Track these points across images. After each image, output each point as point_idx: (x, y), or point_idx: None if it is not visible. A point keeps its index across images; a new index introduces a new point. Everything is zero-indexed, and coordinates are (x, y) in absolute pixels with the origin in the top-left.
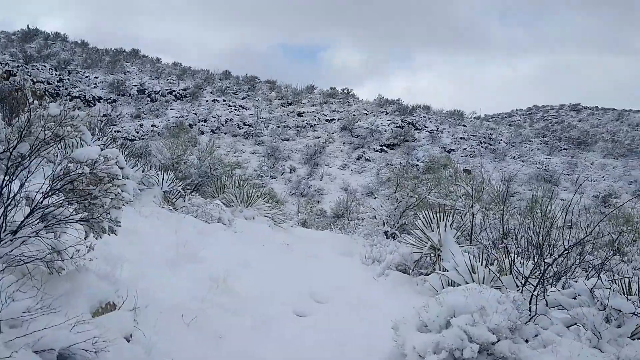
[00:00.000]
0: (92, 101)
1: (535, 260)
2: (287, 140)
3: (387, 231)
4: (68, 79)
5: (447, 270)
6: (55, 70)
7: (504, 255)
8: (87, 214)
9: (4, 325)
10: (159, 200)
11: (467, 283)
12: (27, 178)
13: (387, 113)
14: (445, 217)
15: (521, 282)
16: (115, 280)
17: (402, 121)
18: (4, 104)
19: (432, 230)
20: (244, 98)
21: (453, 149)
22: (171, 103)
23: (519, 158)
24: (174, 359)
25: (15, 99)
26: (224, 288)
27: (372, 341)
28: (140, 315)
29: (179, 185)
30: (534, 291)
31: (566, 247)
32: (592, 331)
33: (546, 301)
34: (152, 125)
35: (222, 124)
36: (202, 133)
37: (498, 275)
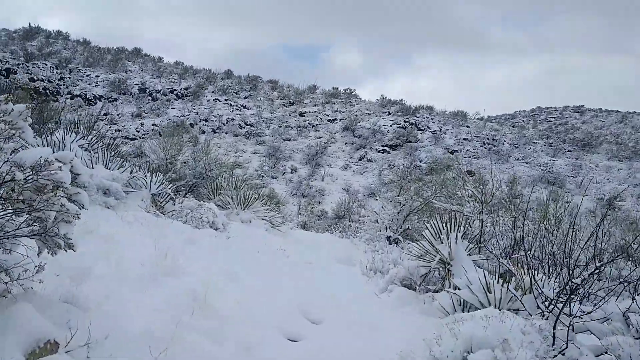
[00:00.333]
0: (93, 100)
1: (561, 278)
2: (289, 140)
3: (390, 236)
4: (69, 78)
5: (459, 289)
6: (56, 69)
7: (522, 271)
8: (38, 226)
9: None
10: (147, 204)
11: (481, 303)
12: None
13: (389, 113)
14: (456, 227)
15: (544, 305)
16: (76, 302)
17: (404, 122)
18: None
19: (442, 242)
20: (245, 98)
21: (456, 150)
22: (172, 102)
23: (522, 160)
24: None
25: None
26: (204, 307)
27: None
28: (96, 350)
29: (169, 188)
30: (558, 315)
31: (597, 264)
32: None
33: (572, 326)
34: (153, 125)
35: (224, 124)
36: (203, 132)
37: (519, 296)
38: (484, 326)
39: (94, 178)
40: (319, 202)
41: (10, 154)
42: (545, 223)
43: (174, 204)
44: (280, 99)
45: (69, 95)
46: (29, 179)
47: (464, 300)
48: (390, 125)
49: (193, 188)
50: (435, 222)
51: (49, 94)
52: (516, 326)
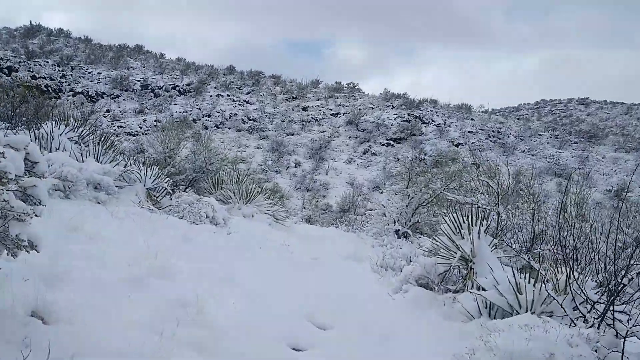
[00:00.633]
0: (95, 97)
1: (600, 277)
2: (292, 134)
3: (398, 230)
4: (71, 75)
5: (484, 289)
6: (58, 66)
7: (554, 269)
8: None
9: None
10: (141, 199)
11: (510, 306)
12: None
13: (393, 107)
14: (478, 221)
15: (585, 307)
16: (42, 312)
17: (408, 115)
18: None
19: (462, 237)
20: (248, 93)
21: (461, 143)
22: (175, 98)
23: (528, 152)
24: None
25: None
26: (196, 316)
27: None
28: None
29: (165, 181)
30: (601, 320)
31: None
32: None
33: (616, 330)
34: (155, 121)
35: (226, 119)
36: (206, 128)
37: (558, 299)
38: (526, 338)
39: (83, 172)
40: (324, 196)
41: None
42: (565, 216)
43: (171, 199)
44: (283, 94)
45: (71, 93)
46: None
47: (490, 302)
48: (394, 119)
49: (193, 182)
50: (454, 215)
51: (51, 91)
52: (562, 337)
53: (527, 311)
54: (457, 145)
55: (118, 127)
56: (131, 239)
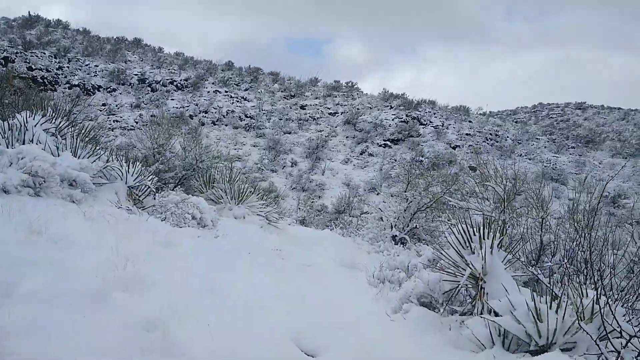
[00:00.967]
0: (92, 90)
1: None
2: (289, 133)
3: (395, 235)
4: (68, 67)
5: (497, 314)
6: (55, 58)
7: (576, 290)
8: None
9: None
10: (122, 198)
11: (529, 336)
12: None
13: (391, 107)
14: (492, 234)
15: (615, 339)
16: None
17: (406, 116)
18: None
19: (472, 252)
20: (246, 89)
21: (459, 145)
22: (172, 93)
23: (525, 156)
24: None
25: None
26: (164, 342)
27: None
28: None
29: (149, 179)
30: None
31: None
32: None
33: None
34: (151, 116)
35: (224, 116)
36: (203, 124)
37: (584, 327)
38: None
39: (57, 167)
40: (319, 197)
41: None
42: (575, 224)
43: (154, 198)
44: (281, 92)
45: (68, 85)
46: None
47: (505, 330)
48: (392, 120)
49: (183, 180)
50: (463, 226)
51: (47, 83)
52: None
53: (547, 341)
54: (454, 148)
55: (114, 121)
56: (101, 244)
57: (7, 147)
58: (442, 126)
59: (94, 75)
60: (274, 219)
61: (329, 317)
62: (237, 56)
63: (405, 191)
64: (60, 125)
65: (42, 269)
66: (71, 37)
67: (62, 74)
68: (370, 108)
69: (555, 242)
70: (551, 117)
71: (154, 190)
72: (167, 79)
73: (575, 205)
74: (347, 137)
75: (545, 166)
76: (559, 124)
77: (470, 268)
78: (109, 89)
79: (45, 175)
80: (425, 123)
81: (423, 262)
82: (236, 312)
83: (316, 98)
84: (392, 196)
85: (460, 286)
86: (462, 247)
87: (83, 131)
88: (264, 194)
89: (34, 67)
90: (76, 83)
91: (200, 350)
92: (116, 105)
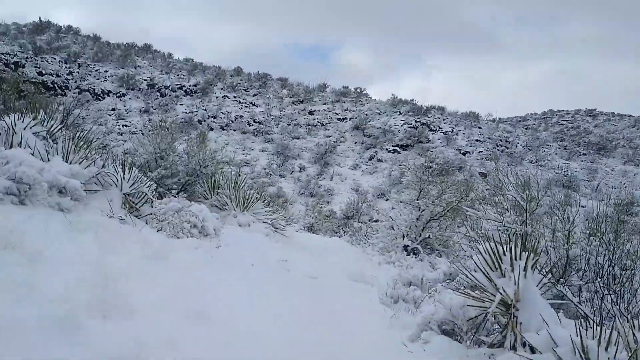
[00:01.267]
0: (102, 95)
1: None
2: (298, 138)
3: (408, 245)
4: (78, 72)
5: (534, 350)
6: (65, 63)
7: (625, 326)
8: None
9: None
10: (116, 206)
11: None
12: None
13: (400, 113)
14: (526, 254)
15: None
16: None
17: (416, 122)
18: None
19: (503, 274)
20: (254, 95)
21: (468, 152)
22: (181, 98)
23: (536, 162)
24: None
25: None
26: None
27: None
28: None
29: (146, 185)
30: None
31: None
32: None
33: None
34: (160, 121)
35: (232, 121)
36: (212, 129)
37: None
38: None
39: (45, 173)
40: (328, 202)
41: None
42: (601, 238)
43: (152, 206)
44: (290, 97)
45: (77, 90)
46: None
47: None
48: (401, 125)
49: (186, 186)
50: (491, 244)
51: (57, 88)
52: None
53: None
54: (464, 154)
55: (123, 125)
56: (81, 258)
57: None
58: (452, 132)
59: (104, 80)
60: (280, 226)
61: (336, 344)
62: (246, 62)
63: (417, 199)
64: (52, 129)
65: (9, 293)
66: (81, 42)
67: (72, 79)
68: (379, 114)
69: (581, 257)
70: (561, 124)
71: (151, 197)
72: (176, 85)
73: (597, 215)
74: (355, 143)
75: (556, 173)
76: (569, 131)
77: (501, 293)
78: (118, 94)
79: (30, 182)
80: (434, 129)
81: (439, 277)
82: (229, 340)
83: (325, 104)
84: (400, 202)
85: (489, 314)
86: (491, 268)
87: (78, 135)
88: (271, 200)
89: (44, 72)
90: (86, 88)
91: None
92: (125, 110)
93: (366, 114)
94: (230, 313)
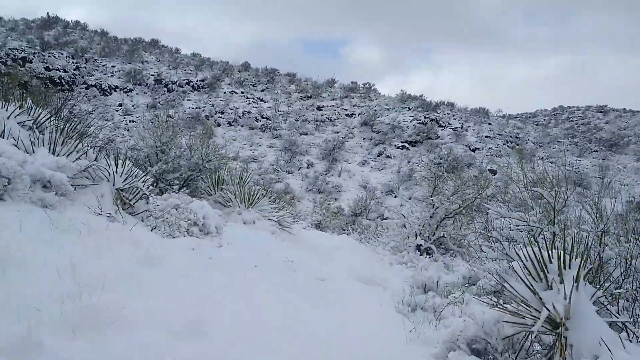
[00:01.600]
0: (108, 90)
1: None
2: (306, 134)
3: (420, 245)
4: (85, 67)
5: None
6: (73, 58)
7: None
8: None
9: None
10: (106, 202)
11: None
12: None
13: (409, 109)
14: (579, 260)
15: None
16: None
17: (425, 117)
18: None
19: (549, 286)
20: (262, 90)
21: (478, 148)
22: (188, 94)
23: (547, 159)
24: None
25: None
26: None
27: None
28: None
29: (142, 180)
30: None
31: None
32: None
33: None
34: (167, 116)
35: (240, 116)
36: (219, 125)
37: None
38: None
39: (27, 166)
40: (336, 199)
41: None
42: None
43: (147, 202)
44: (298, 93)
45: (84, 85)
46: None
47: None
48: (410, 121)
49: (189, 181)
50: (535, 249)
51: (64, 83)
52: None
53: None
54: (473, 150)
55: (130, 121)
56: (59, 263)
57: None
58: (461, 128)
59: (111, 76)
60: (287, 223)
61: None
62: (253, 57)
63: (431, 196)
64: (38, 118)
65: None
66: (89, 38)
67: (79, 75)
68: (388, 109)
69: (617, 260)
70: (572, 120)
71: (146, 192)
72: (184, 80)
73: (626, 214)
74: (364, 139)
75: (568, 169)
76: (580, 127)
77: (548, 309)
78: (125, 89)
79: (10, 175)
80: (443, 125)
81: (457, 280)
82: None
83: (333, 99)
84: (409, 199)
85: (532, 333)
86: (534, 278)
87: (68, 125)
88: (278, 197)
89: (51, 68)
90: (93, 83)
91: None
92: (132, 106)
93: (375, 110)
94: (229, 325)
